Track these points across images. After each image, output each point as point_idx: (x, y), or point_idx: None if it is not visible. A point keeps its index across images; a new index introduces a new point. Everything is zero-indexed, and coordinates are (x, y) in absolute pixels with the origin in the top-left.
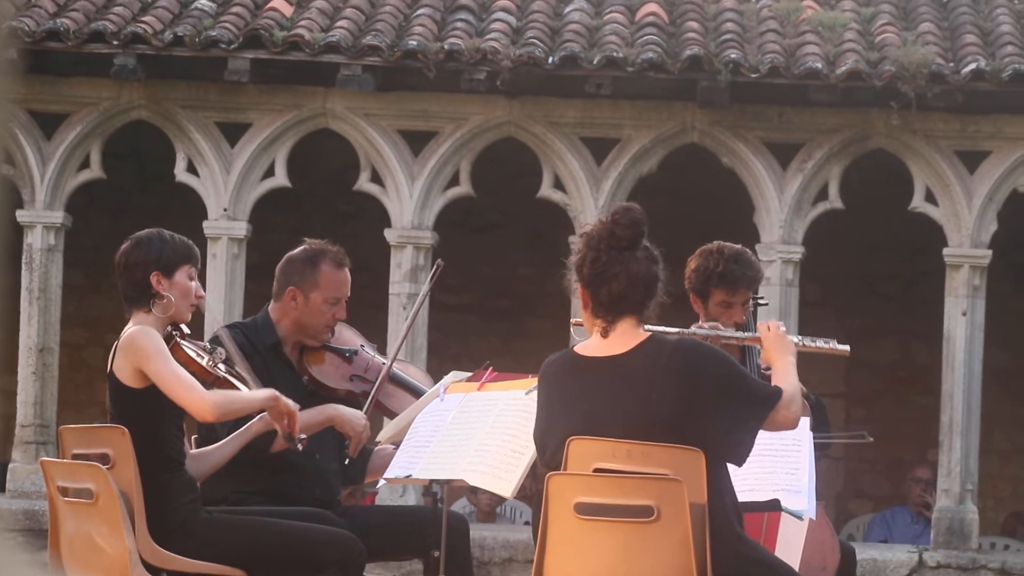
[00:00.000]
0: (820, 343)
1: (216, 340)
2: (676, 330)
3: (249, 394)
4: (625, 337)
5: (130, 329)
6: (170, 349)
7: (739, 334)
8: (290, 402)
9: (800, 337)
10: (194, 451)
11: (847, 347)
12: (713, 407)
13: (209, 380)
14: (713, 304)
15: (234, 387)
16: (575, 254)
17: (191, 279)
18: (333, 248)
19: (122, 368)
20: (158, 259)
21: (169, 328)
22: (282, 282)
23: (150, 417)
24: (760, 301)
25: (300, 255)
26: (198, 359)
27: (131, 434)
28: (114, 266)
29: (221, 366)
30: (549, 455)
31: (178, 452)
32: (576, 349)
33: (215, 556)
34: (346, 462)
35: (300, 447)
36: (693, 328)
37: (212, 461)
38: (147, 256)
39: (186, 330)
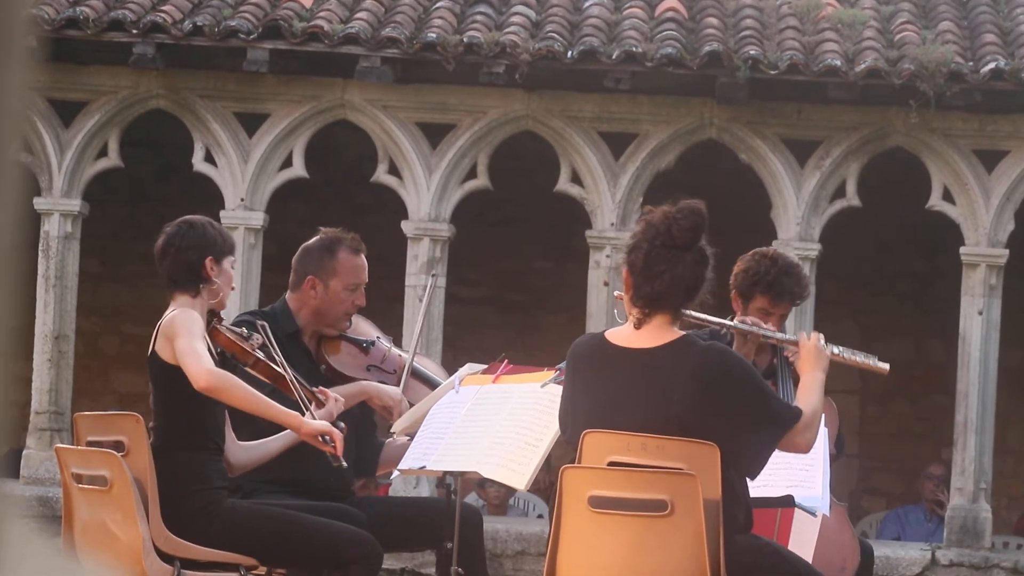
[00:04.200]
0: (860, 358)
1: (248, 325)
2: (717, 320)
3: (265, 402)
4: (658, 332)
5: (172, 311)
6: (210, 334)
7: (778, 335)
8: (318, 424)
9: (840, 348)
10: (244, 443)
11: (886, 365)
12: (731, 419)
13: (249, 362)
14: (753, 308)
15: (275, 371)
16: (631, 237)
17: (232, 268)
18: (349, 235)
19: (163, 347)
20: (212, 244)
21: (209, 315)
22: (300, 272)
23: (189, 394)
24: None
25: (317, 244)
26: (239, 342)
27: (170, 412)
28: (161, 247)
29: (259, 351)
30: (569, 435)
31: (218, 438)
32: (607, 335)
33: (233, 543)
34: (392, 437)
35: (340, 465)
36: (736, 322)
37: (259, 454)
38: (202, 240)
39: (223, 317)
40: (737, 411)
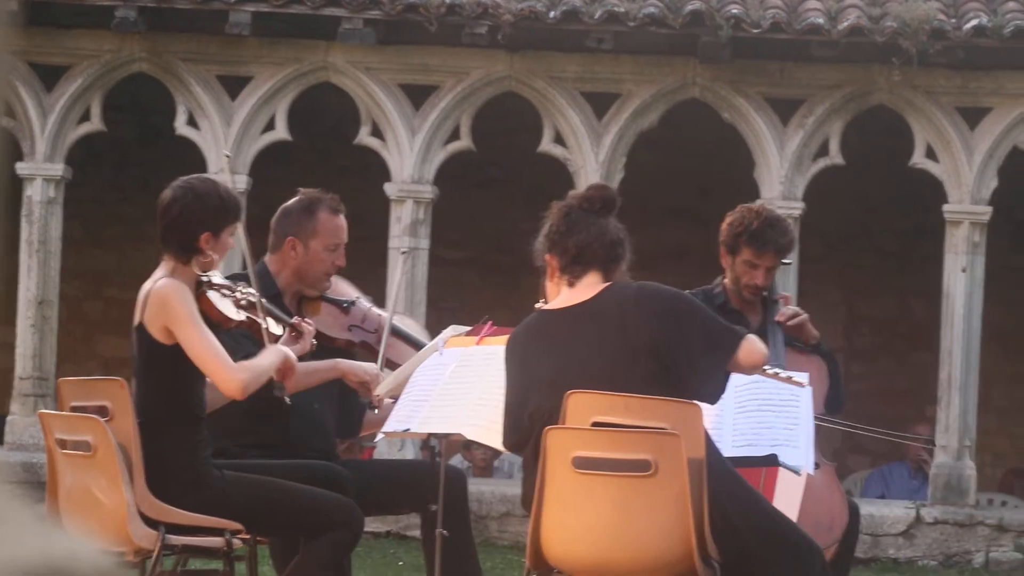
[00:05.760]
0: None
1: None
2: None
3: (267, 361)
4: (590, 288)
5: (162, 282)
6: (198, 298)
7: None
8: (293, 357)
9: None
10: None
11: (803, 379)
12: (688, 339)
13: (231, 327)
14: (739, 261)
15: (257, 324)
16: (545, 223)
17: (232, 235)
18: (328, 195)
19: (152, 321)
20: (213, 218)
21: (198, 275)
22: (279, 233)
23: (177, 372)
24: (784, 261)
25: (296, 205)
26: (222, 307)
27: (155, 387)
28: (162, 208)
29: (243, 312)
30: (533, 408)
31: (200, 408)
32: (542, 308)
33: (223, 511)
34: (374, 411)
35: (283, 397)
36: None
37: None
38: (203, 213)
39: (214, 277)
40: (690, 330)
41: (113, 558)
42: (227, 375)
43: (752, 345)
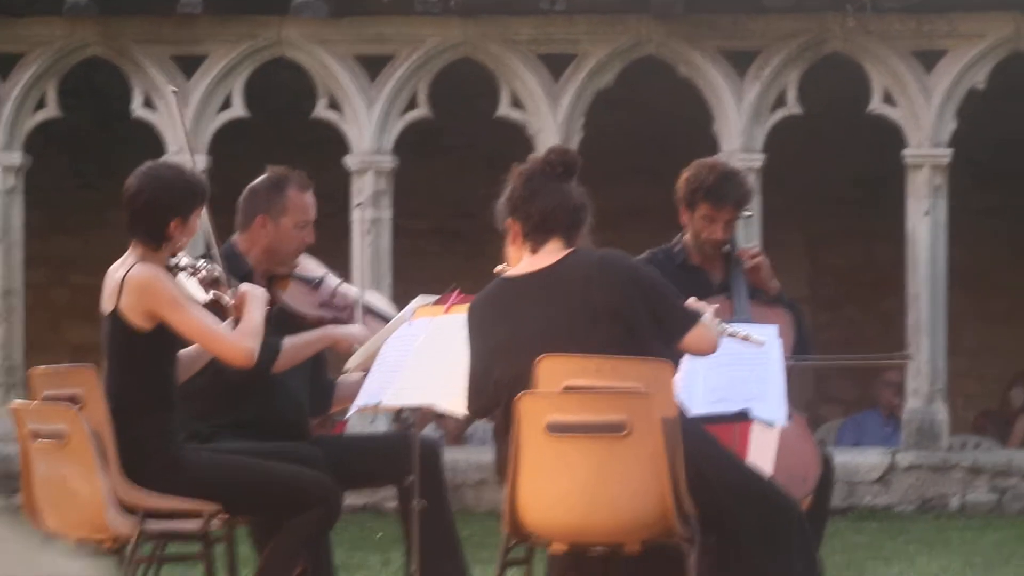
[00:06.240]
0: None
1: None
2: None
3: (256, 316)
4: (553, 254)
5: (139, 267)
6: None
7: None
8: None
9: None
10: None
11: (762, 340)
12: (644, 311)
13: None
14: (698, 216)
15: (221, 306)
16: (506, 188)
17: (199, 217)
18: (295, 172)
19: (131, 308)
20: (180, 204)
21: (169, 260)
22: (249, 212)
23: (153, 358)
24: (745, 213)
25: (265, 183)
26: (191, 290)
27: (130, 373)
28: (128, 197)
29: (210, 291)
30: (498, 375)
31: (174, 392)
32: (504, 276)
33: (201, 493)
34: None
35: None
36: None
37: (199, 362)
38: (169, 200)
39: (182, 259)
40: (648, 301)
41: (102, 571)
42: (233, 345)
43: (703, 331)
